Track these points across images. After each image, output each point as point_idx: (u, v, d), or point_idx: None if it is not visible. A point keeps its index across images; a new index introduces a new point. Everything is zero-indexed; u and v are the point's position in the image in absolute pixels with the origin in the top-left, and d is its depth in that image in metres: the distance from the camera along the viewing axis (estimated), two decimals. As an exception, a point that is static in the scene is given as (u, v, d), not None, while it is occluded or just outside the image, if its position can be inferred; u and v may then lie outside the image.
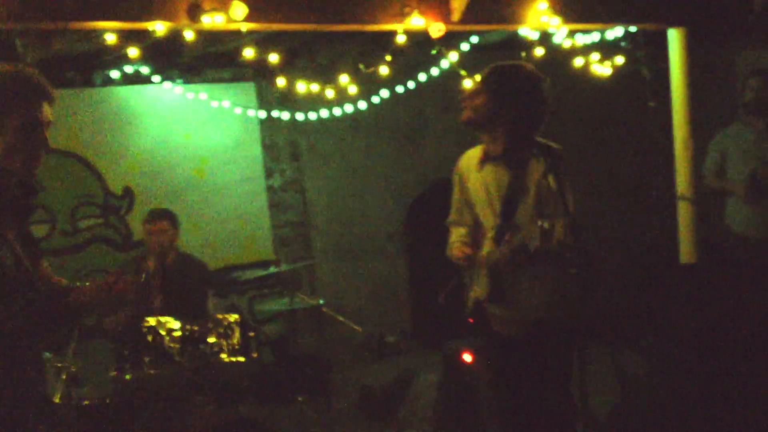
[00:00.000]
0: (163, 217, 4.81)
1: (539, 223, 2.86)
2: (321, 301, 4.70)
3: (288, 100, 6.57)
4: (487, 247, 3.33)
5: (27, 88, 2.34)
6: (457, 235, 3.58)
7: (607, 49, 5.45)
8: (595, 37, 5.38)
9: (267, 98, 6.64)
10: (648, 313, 4.75)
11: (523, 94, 3.29)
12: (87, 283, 2.46)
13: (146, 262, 4.77)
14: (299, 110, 6.31)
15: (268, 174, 6.76)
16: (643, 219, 7.49)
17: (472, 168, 3.48)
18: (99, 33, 3.85)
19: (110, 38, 3.71)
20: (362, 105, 5.98)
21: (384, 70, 4.66)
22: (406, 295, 7.31)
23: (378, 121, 7.09)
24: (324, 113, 6.15)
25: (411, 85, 6.08)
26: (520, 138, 3.29)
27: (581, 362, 2.90)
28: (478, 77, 3.55)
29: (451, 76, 5.55)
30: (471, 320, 3.47)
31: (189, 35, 3.82)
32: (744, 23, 5.63)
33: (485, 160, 3.43)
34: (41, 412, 2.41)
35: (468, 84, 4.64)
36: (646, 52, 5.42)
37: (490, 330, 3.39)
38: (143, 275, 2.59)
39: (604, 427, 4.27)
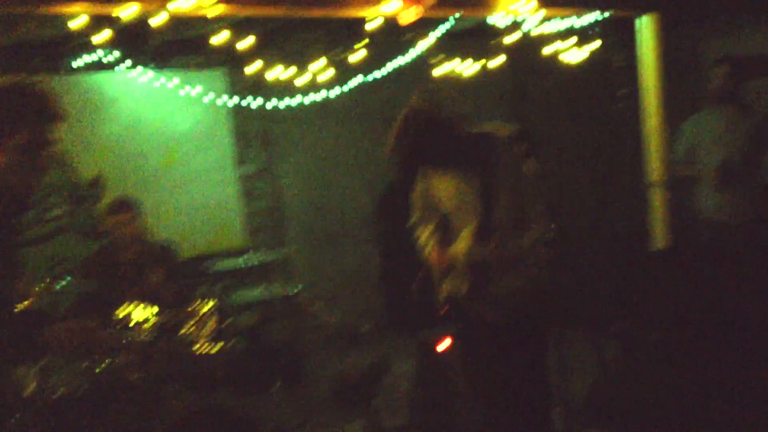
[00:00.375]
0: (124, 207, 4.72)
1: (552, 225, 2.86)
2: (295, 290, 4.66)
3: (259, 88, 6.50)
4: (461, 245, 3.30)
5: (36, 107, 2.23)
6: (427, 233, 3.54)
7: (578, 36, 5.48)
8: (566, 23, 5.39)
9: (238, 85, 6.56)
10: (621, 299, 4.79)
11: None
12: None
13: (116, 255, 4.70)
14: (270, 97, 6.25)
15: (241, 162, 6.70)
16: (615, 205, 7.54)
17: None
18: (66, 17, 3.77)
19: (76, 23, 3.63)
20: (334, 92, 5.95)
21: (356, 57, 4.63)
22: (378, 281, 7.29)
23: (349, 108, 7.04)
24: (295, 101, 6.10)
25: (383, 72, 6.05)
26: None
27: (559, 347, 2.92)
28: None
29: (420, 63, 5.55)
30: (443, 311, 3.46)
31: (158, 20, 3.75)
32: (712, 10, 5.69)
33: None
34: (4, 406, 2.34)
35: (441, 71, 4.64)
36: (616, 39, 5.44)
37: (465, 318, 3.39)
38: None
39: (580, 411, 4.30)
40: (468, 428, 4.37)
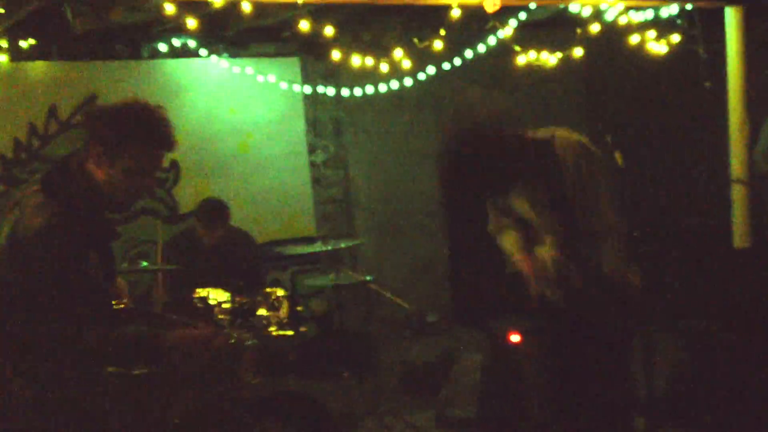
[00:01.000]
0: (217, 221, 4.79)
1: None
2: (368, 278, 4.67)
3: (332, 76, 6.54)
4: (546, 249, 3.15)
5: (153, 133, 2.31)
6: (511, 240, 3.37)
7: (662, 27, 5.34)
8: (649, 14, 5.26)
9: (311, 74, 6.60)
10: (701, 297, 4.68)
11: None
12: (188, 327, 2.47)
13: (199, 239, 4.78)
14: (343, 86, 6.27)
15: (311, 150, 6.74)
16: (696, 202, 7.35)
17: None
18: (154, 3, 3.84)
19: (169, 8, 3.69)
20: (407, 81, 5.93)
21: (437, 45, 4.60)
22: (448, 274, 7.27)
23: (422, 98, 7.02)
24: (369, 89, 6.10)
25: (457, 61, 6.01)
26: None
27: (646, 346, 2.86)
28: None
29: (495, 53, 5.49)
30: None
31: (246, 7, 3.79)
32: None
33: None
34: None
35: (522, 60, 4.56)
36: (702, 31, 5.28)
37: (551, 314, 3.26)
38: (233, 337, 2.54)
39: (657, 410, 4.22)
40: (537, 422, 4.33)
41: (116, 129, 2.27)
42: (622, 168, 2.81)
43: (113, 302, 2.53)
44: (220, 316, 4.01)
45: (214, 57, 6.09)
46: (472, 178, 2.92)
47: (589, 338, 3.21)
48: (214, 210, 4.94)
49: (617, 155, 2.82)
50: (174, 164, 6.19)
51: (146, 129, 2.30)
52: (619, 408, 3.26)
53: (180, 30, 4.16)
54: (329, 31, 4.23)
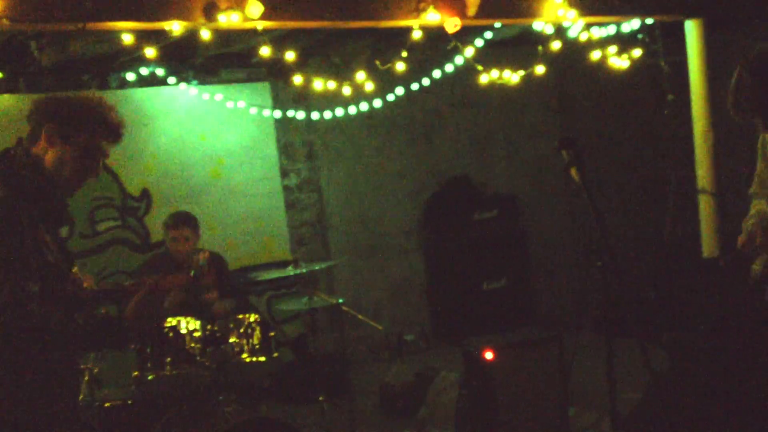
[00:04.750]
0: (186, 223, 4.76)
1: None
2: (340, 300, 4.67)
3: (302, 100, 6.57)
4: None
5: (98, 120, 2.51)
6: (756, 210, 3.24)
7: (624, 41, 5.42)
8: (611, 30, 5.34)
9: (282, 98, 6.63)
10: (671, 308, 4.71)
11: None
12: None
13: (170, 263, 4.75)
14: (314, 109, 6.31)
15: (284, 174, 6.75)
16: (664, 213, 7.43)
17: None
18: (115, 34, 3.85)
19: (127, 38, 3.71)
20: (377, 103, 5.97)
21: (400, 67, 4.64)
22: (424, 293, 7.29)
23: (392, 119, 7.07)
24: (339, 112, 6.14)
25: (425, 81, 6.05)
26: None
27: (607, 357, 2.86)
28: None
29: (464, 72, 5.54)
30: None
31: (205, 35, 3.81)
32: (761, 12, 5.58)
33: None
34: (70, 416, 2.46)
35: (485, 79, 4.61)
36: (663, 45, 5.37)
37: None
38: (192, 271, 2.72)
39: (628, 422, 4.23)
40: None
41: (74, 110, 2.50)
42: (579, 184, 2.83)
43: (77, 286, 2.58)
44: (191, 345, 4.00)
45: (183, 84, 6.10)
46: None
47: None
48: (182, 213, 4.92)
49: (573, 171, 2.84)
50: (145, 193, 6.18)
51: (99, 116, 2.51)
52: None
53: (146, 59, 4.17)
54: (290, 56, 4.26)
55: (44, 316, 2.28)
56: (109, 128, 2.54)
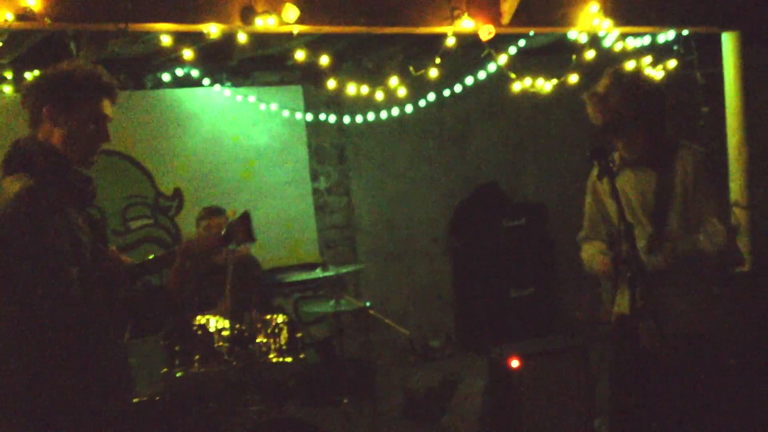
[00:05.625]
0: (220, 213, 4.82)
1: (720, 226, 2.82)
2: (367, 304, 4.69)
3: (334, 103, 6.61)
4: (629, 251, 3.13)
5: (94, 84, 2.50)
6: (594, 248, 3.40)
7: (659, 52, 5.38)
8: (646, 40, 5.31)
9: (314, 101, 6.68)
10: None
11: (656, 92, 3.23)
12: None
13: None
14: (345, 113, 6.34)
15: (314, 177, 6.79)
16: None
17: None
18: (153, 35, 3.91)
19: (165, 40, 3.76)
20: (408, 108, 5.99)
21: (433, 73, 4.65)
22: (451, 299, 7.28)
23: (423, 125, 7.08)
24: (370, 116, 6.17)
25: (457, 88, 6.06)
26: (661, 138, 3.20)
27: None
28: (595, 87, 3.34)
29: (495, 80, 5.54)
30: (615, 336, 3.30)
31: (242, 37, 3.86)
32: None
33: (622, 165, 3.26)
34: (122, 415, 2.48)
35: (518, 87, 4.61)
36: (699, 56, 5.32)
37: (635, 346, 3.04)
38: (224, 229, 2.71)
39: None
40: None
41: (67, 83, 2.48)
42: (610, 194, 2.81)
43: (115, 261, 2.60)
44: (219, 343, 4.04)
45: (217, 86, 6.18)
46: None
47: (679, 372, 3.13)
48: (215, 206, 4.96)
49: (605, 182, 2.83)
50: (177, 192, 6.26)
51: (93, 80, 2.51)
52: None
53: (181, 60, 4.22)
54: (324, 60, 4.29)
55: (87, 298, 2.29)
56: (105, 89, 2.53)
